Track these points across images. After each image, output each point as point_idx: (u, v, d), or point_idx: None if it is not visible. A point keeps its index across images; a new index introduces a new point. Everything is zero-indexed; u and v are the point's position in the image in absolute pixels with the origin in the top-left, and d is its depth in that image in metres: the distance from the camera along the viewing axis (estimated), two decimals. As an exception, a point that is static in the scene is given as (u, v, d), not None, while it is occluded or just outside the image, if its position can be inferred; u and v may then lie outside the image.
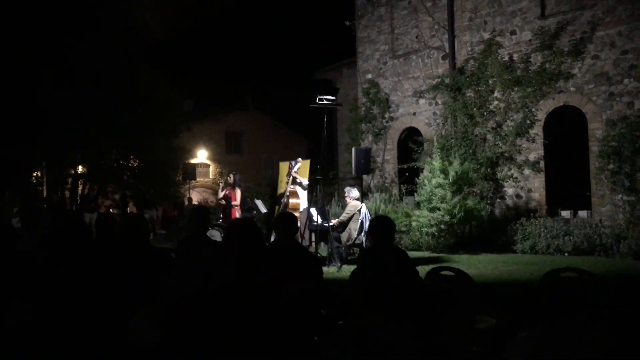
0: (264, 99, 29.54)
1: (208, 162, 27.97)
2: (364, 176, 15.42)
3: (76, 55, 14.62)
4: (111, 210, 16.17)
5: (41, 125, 14.61)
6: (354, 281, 5.03)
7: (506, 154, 12.68)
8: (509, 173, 12.64)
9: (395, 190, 14.52)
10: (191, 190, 23.44)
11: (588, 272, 4.43)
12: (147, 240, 4.43)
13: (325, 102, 9.77)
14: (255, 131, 28.53)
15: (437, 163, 11.49)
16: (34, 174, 20.12)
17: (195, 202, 18.93)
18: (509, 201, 12.86)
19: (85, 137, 15.53)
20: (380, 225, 5.06)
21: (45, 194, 19.91)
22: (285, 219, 4.93)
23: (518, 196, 12.74)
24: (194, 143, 25.71)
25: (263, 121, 29.00)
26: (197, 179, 25.15)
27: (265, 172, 17.62)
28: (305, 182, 11.26)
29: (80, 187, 19.28)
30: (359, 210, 10.20)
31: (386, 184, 14.96)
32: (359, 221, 10.11)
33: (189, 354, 2.90)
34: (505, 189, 12.89)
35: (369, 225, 5.41)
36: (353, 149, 10.42)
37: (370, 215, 10.37)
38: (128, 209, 18.08)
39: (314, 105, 9.78)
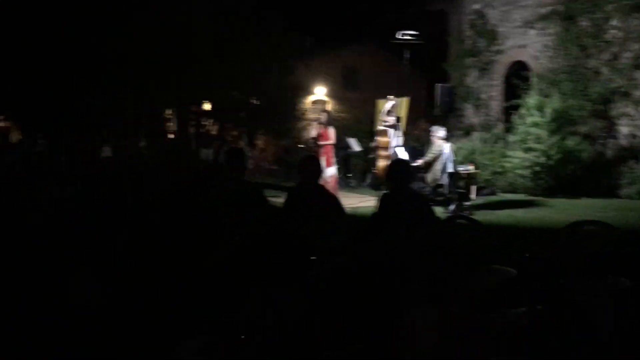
0: (383, 33, 28.74)
1: (326, 98, 28.15)
2: (468, 113, 14.81)
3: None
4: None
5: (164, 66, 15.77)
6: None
7: (622, 89, 11.44)
8: (624, 110, 11.44)
9: (498, 129, 13.79)
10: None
11: (612, 226, 4.10)
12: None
13: (407, 37, 9.43)
14: (372, 67, 28.01)
15: (532, 100, 10.68)
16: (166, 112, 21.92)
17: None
18: (623, 141, 11.70)
19: (205, 77, 16.51)
20: (396, 170, 4.98)
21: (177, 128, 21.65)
22: (306, 163, 5.03)
23: (634, 136, 11.54)
24: (312, 80, 25.98)
25: (381, 57, 28.34)
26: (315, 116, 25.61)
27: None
28: (393, 120, 11.09)
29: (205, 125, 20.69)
30: (443, 151, 9.90)
31: (490, 122, 14.24)
32: (443, 162, 9.84)
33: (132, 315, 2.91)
34: (619, 127, 11.72)
35: (388, 170, 5.16)
36: (438, 86, 10.02)
37: (455, 156, 10.03)
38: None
39: (394, 42, 9.49)
